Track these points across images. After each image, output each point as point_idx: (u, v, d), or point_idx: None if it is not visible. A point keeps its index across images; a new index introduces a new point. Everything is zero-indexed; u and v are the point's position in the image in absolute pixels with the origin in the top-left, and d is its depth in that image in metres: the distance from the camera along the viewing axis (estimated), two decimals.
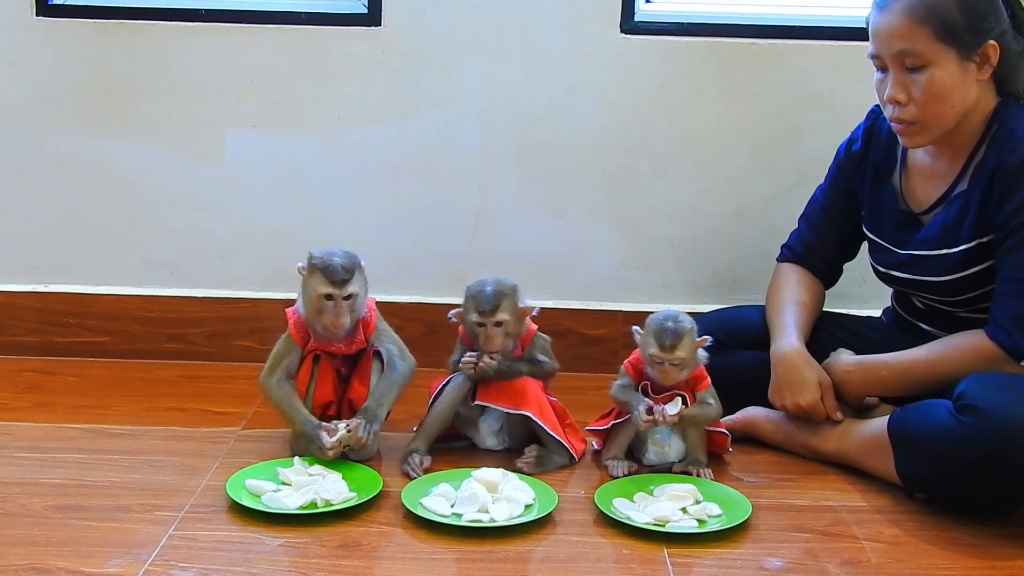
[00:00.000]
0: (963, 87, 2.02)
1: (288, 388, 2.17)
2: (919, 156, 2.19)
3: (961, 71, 2.01)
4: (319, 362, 2.19)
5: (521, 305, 2.20)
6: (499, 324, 2.16)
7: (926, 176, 2.18)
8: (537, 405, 2.18)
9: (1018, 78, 2.08)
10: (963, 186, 2.10)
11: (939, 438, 1.94)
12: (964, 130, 2.08)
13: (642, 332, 2.15)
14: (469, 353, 2.19)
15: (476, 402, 2.21)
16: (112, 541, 1.84)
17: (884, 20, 2.01)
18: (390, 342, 2.23)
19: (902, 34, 1.99)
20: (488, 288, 2.17)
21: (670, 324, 2.11)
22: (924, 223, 2.17)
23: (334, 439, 2.09)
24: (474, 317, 2.17)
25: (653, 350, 2.11)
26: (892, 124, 2.09)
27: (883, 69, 2.06)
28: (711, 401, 2.17)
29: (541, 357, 2.24)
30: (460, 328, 2.26)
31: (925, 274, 2.15)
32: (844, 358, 2.24)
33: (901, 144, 2.16)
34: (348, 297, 2.12)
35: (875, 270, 2.30)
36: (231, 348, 2.79)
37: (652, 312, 2.19)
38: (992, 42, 2.00)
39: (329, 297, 2.11)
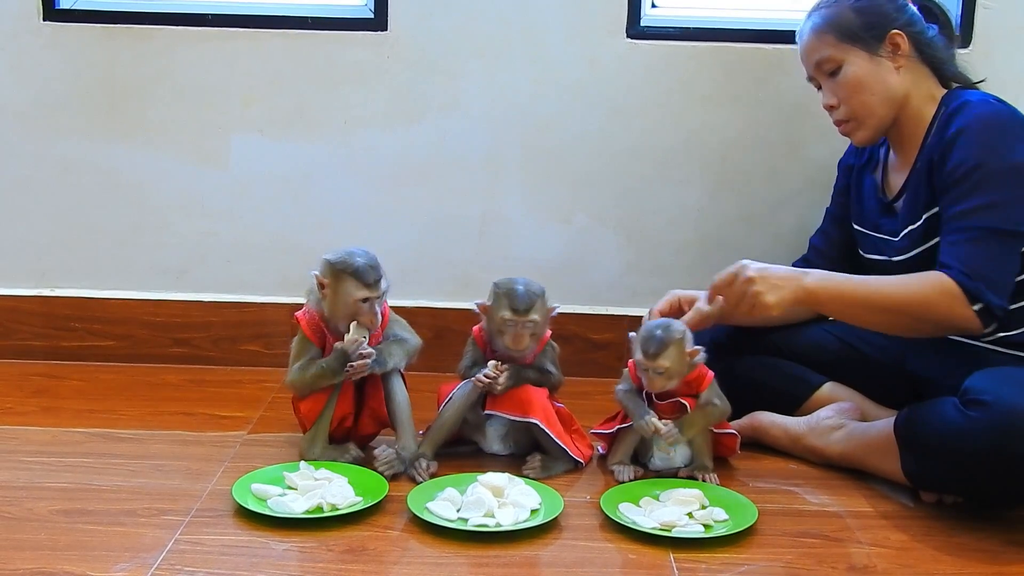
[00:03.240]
0: (879, 76, 2.19)
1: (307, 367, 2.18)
2: (892, 153, 2.31)
3: (872, 63, 2.19)
4: None
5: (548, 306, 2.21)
6: (530, 324, 2.17)
7: (895, 168, 2.30)
8: (543, 413, 2.18)
9: (954, 64, 2.25)
10: (917, 166, 2.20)
11: (946, 433, 1.94)
12: (915, 120, 2.21)
13: (635, 337, 2.16)
14: (484, 372, 2.17)
15: (487, 411, 2.21)
16: (118, 545, 1.84)
17: (801, 44, 2.27)
18: (402, 328, 2.26)
19: (813, 48, 2.24)
20: (521, 287, 2.17)
21: (658, 332, 2.10)
22: (898, 211, 2.26)
23: (351, 336, 2.11)
24: (507, 314, 2.16)
25: (639, 356, 2.12)
26: (839, 130, 2.28)
27: (818, 87, 2.28)
28: (716, 401, 2.16)
29: (550, 367, 2.24)
30: (475, 329, 2.25)
31: (899, 254, 2.22)
32: (807, 272, 2.16)
33: (855, 144, 2.31)
34: (381, 295, 2.15)
35: (864, 260, 2.35)
36: (237, 352, 2.79)
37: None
38: (896, 31, 2.18)
39: (366, 300, 2.13)
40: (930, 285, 2.05)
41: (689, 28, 2.68)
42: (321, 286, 2.15)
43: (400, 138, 2.72)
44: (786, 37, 2.66)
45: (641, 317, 2.26)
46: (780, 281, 2.10)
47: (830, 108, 2.25)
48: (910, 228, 2.19)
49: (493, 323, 2.20)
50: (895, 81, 2.19)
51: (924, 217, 2.16)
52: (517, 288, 2.17)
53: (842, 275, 2.14)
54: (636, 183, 2.74)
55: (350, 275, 2.12)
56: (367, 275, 2.12)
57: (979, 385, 1.95)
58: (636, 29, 2.66)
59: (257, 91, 2.71)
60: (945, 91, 2.22)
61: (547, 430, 2.17)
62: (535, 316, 2.16)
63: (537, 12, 2.65)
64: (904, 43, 2.18)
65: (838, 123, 2.26)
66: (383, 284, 2.14)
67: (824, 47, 2.21)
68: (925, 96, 2.21)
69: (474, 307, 2.22)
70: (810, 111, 2.67)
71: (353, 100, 2.71)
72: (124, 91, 2.71)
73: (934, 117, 2.19)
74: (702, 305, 2.21)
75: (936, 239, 2.13)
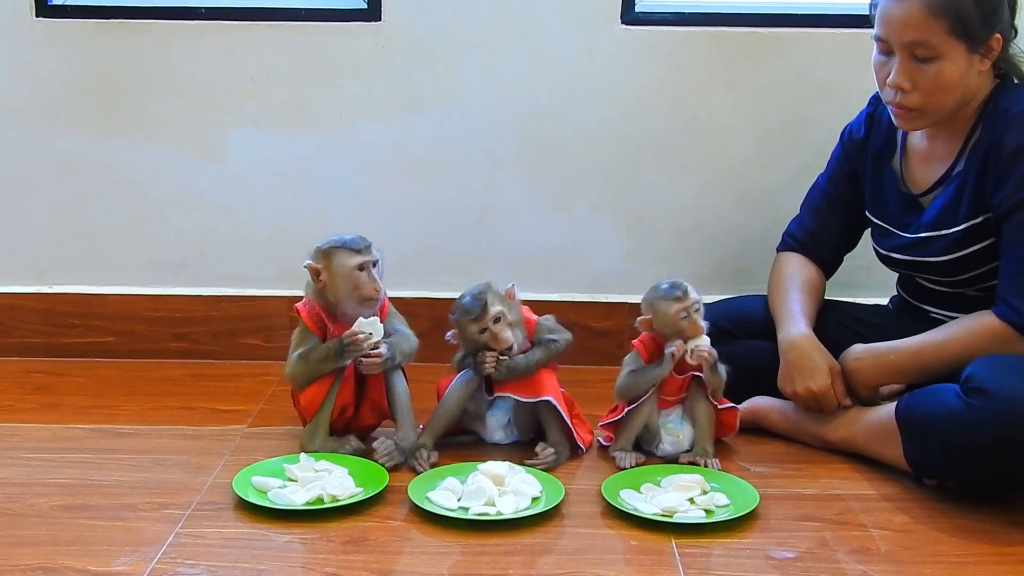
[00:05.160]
0: (966, 78, 2.05)
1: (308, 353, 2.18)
2: (917, 139, 2.22)
3: (967, 62, 2.03)
4: (344, 365, 2.19)
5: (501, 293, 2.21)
6: (498, 319, 2.16)
7: (924, 159, 2.20)
8: (555, 393, 2.19)
9: (1010, 59, 2.11)
10: (960, 166, 2.12)
11: (947, 422, 1.94)
12: (961, 113, 2.10)
13: (649, 314, 2.18)
14: (488, 353, 2.18)
15: (496, 394, 2.21)
16: (119, 540, 1.84)
17: (900, 8, 2.01)
18: (401, 323, 2.26)
19: (917, 25, 1.99)
20: (466, 298, 2.18)
21: (667, 281, 2.18)
22: (925, 205, 2.19)
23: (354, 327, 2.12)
24: (474, 328, 2.16)
25: (675, 307, 2.14)
26: (890, 107, 2.11)
27: (887, 53, 2.06)
28: (720, 367, 2.18)
29: (551, 336, 2.23)
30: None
31: (927, 255, 2.17)
32: (853, 347, 2.23)
33: (897, 126, 2.17)
34: (376, 263, 2.17)
35: (877, 254, 2.31)
36: (237, 346, 2.79)
37: None
38: (997, 35, 2.03)
39: (362, 267, 2.15)
40: (981, 334, 2.06)
41: (684, 13, 2.66)
42: (317, 274, 2.16)
43: (397, 129, 2.71)
44: (783, 21, 2.67)
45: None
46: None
47: (898, 88, 2.04)
48: (944, 232, 2.13)
49: (472, 341, 2.19)
50: (975, 83, 2.06)
51: (961, 228, 2.10)
52: (462, 301, 2.18)
53: (904, 344, 2.15)
54: (634, 171, 2.73)
55: (340, 248, 2.15)
56: (356, 242, 2.16)
57: (981, 373, 1.94)
58: (631, 15, 2.65)
59: (253, 84, 2.70)
60: (994, 80, 2.10)
61: (560, 408, 2.17)
62: (495, 307, 2.16)
63: (531, 0, 2.64)
64: (998, 48, 2.03)
65: (899, 106, 2.07)
66: (375, 251, 2.17)
67: (931, 32, 1.98)
68: (983, 91, 2.09)
69: (449, 339, 2.23)
70: (808, 96, 2.67)
71: (349, 92, 2.70)
72: (119, 86, 2.70)
73: (983, 112, 2.08)
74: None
75: (973, 247, 2.10)
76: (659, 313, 2.16)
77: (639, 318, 2.20)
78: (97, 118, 2.71)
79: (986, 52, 2.04)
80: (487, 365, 2.17)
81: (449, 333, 2.23)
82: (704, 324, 2.18)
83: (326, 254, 2.16)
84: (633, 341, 2.22)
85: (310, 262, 2.17)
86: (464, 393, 2.22)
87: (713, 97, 2.69)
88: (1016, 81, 2.12)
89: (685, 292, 2.16)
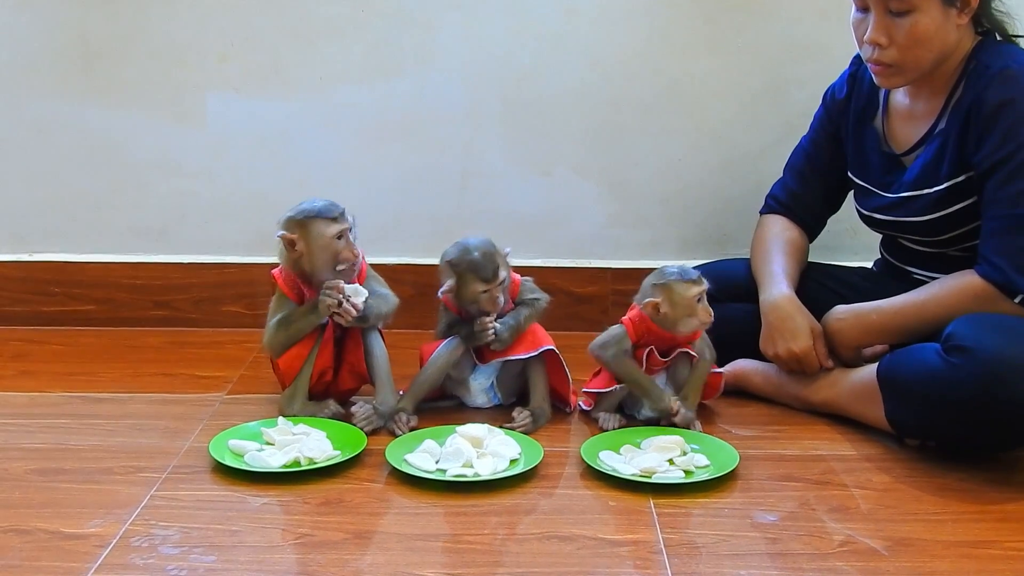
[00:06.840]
0: (944, 32, 2.03)
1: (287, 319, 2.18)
2: (899, 98, 2.20)
3: (943, 15, 2.01)
4: (324, 328, 2.18)
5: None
6: (501, 283, 2.15)
7: (906, 118, 2.18)
8: (552, 343, 2.19)
9: (992, 15, 2.09)
10: (942, 125, 2.10)
11: (928, 380, 1.93)
12: (943, 70, 2.08)
13: (659, 298, 2.11)
14: (486, 319, 2.16)
15: (493, 359, 2.19)
16: (93, 502, 1.83)
17: None
18: (380, 285, 2.24)
19: None
20: (476, 254, 2.13)
21: (675, 266, 2.14)
22: (907, 165, 2.18)
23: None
24: (480, 287, 2.14)
25: (694, 290, 2.11)
26: (869, 65, 2.10)
27: (864, 9, 2.06)
28: (707, 352, 2.18)
29: (532, 296, 2.22)
30: (443, 297, 2.21)
31: (909, 215, 2.15)
32: (836, 308, 2.21)
33: (877, 84, 2.16)
34: (350, 227, 2.15)
35: (860, 214, 2.29)
36: (218, 313, 2.77)
37: (641, 269, 2.19)
38: None
39: (340, 235, 2.12)
40: (963, 293, 2.04)
41: None
42: (292, 244, 2.14)
43: (378, 93, 2.69)
44: None
45: (626, 271, 2.23)
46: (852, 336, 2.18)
47: (875, 44, 2.04)
48: (926, 192, 2.11)
49: (465, 299, 2.17)
50: (953, 38, 2.04)
51: (943, 187, 2.08)
52: (476, 258, 2.13)
53: (886, 304, 2.14)
54: (617, 134, 2.71)
55: (315, 218, 2.12)
56: (330, 210, 2.13)
57: (961, 331, 1.92)
58: None
59: (232, 48, 2.67)
60: (976, 38, 2.08)
61: (561, 356, 2.17)
62: (503, 273, 2.15)
63: None
64: (975, 2, 2.01)
65: (876, 62, 2.06)
66: (348, 216, 2.15)
67: None
68: (964, 48, 2.07)
69: (440, 296, 2.20)
70: (791, 57, 2.65)
71: (328, 55, 2.67)
72: (97, 51, 2.67)
73: (964, 70, 2.06)
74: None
75: (955, 206, 2.08)
76: (676, 295, 2.11)
77: (645, 300, 2.14)
78: (75, 83, 2.68)
79: (963, 6, 2.02)
80: (488, 333, 2.15)
81: (445, 286, 2.18)
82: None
83: (301, 224, 2.13)
84: (623, 318, 2.19)
85: (284, 232, 2.14)
86: (449, 360, 2.20)
87: (695, 59, 2.67)
88: (999, 38, 2.10)
89: (701, 276, 2.13)
